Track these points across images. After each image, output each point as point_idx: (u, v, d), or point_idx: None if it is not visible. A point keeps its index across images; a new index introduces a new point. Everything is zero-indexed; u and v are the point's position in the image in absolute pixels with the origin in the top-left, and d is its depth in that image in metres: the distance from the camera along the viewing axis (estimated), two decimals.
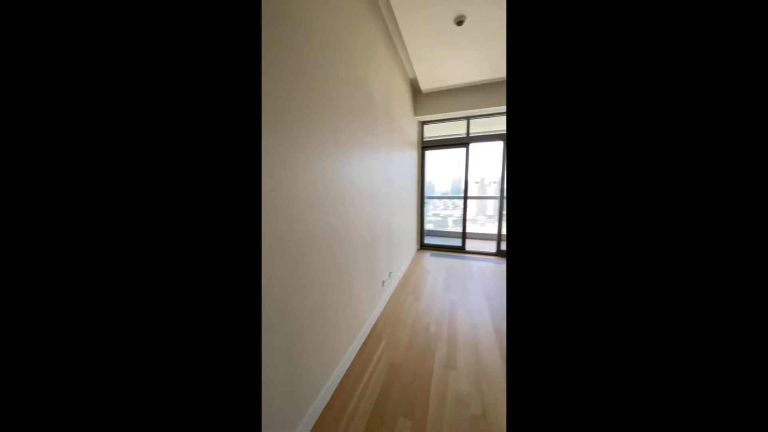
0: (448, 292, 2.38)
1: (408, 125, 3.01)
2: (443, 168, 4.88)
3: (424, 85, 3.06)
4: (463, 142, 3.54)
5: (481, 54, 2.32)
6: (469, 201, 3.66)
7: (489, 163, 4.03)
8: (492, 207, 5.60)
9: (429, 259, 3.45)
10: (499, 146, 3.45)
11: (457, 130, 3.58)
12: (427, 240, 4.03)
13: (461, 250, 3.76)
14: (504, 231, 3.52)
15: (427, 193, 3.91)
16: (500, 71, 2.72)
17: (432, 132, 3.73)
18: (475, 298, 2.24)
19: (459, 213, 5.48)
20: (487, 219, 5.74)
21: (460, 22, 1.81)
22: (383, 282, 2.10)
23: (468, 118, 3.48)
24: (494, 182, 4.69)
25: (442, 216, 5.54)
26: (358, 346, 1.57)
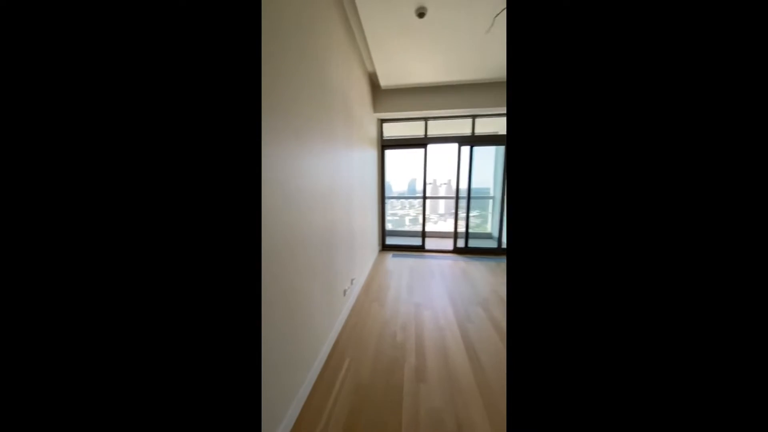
0: (412, 294, 2.33)
1: (368, 121, 2.86)
2: (401, 168, 4.90)
3: (384, 81, 2.96)
4: (421, 143, 3.56)
5: (440, 54, 2.32)
6: (426, 200, 3.72)
7: (441, 164, 4.19)
8: (443, 206, 5.91)
9: (391, 260, 3.38)
10: (453, 148, 3.58)
11: (416, 131, 3.60)
12: (389, 240, 3.96)
13: (421, 249, 3.80)
14: (460, 229, 3.68)
15: (386, 193, 3.84)
16: (457, 74, 2.80)
17: (391, 131, 3.66)
18: (438, 298, 2.23)
19: (414, 212, 5.61)
20: (439, 217, 6.09)
21: (421, 14, 1.74)
22: (345, 291, 1.91)
23: (426, 119, 3.52)
24: (444, 183, 4.90)
25: (400, 215, 5.60)
26: (320, 368, 1.36)
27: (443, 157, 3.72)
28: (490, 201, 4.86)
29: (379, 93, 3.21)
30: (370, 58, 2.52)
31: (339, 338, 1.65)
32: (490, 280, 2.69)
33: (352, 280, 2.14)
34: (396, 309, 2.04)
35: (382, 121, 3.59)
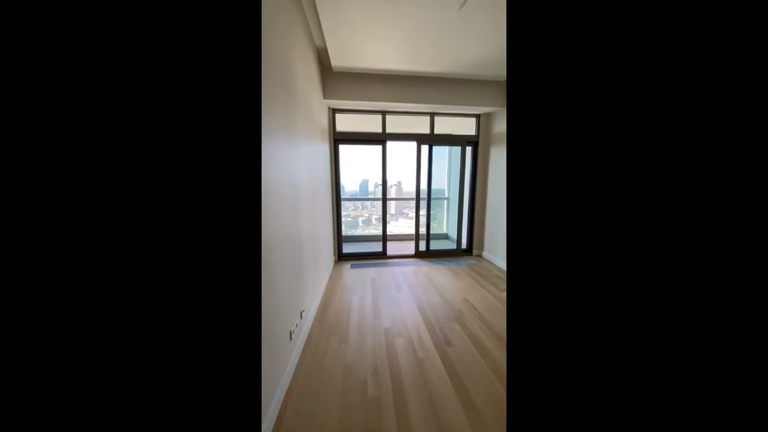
0: (379, 315, 1.97)
1: (318, 107, 2.35)
2: (356, 166, 4.48)
3: (336, 61, 2.49)
4: (379, 139, 3.23)
5: (404, 35, 2.00)
6: (375, 202, 3.42)
7: (393, 164, 3.95)
8: (394, 207, 5.70)
9: (350, 272, 2.95)
10: (410, 147, 3.37)
11: (372, 126, 3.23)
12: (346, 248, 3.51)
13: (383, 256, 3.48)
14: (421, 231, 3.50)
15: (341, 194, 3.37)
16: (421, 63, 2.54)
17: (345, 125, 3.21)
18: (410, 317, 1.94)
19: (368, 213, 5.28)
20: (390, 217, 5.73)
21: None
22: (291, 333, 1.42)
23: (384, 113, 3.20)
24: (394, 185, 4.71)
25: (353, 216, 5.16)
26: None
27: (396, 157, 3.46)
28: (445, 202, 4.91)
29: (330, 76, 2.71)
30: (320, 29, 2.02)
31: (283, 410, 1.16)
32: (456, 285, 2.55)
33: (302, 312, 1.64)
34: (362, 343, 1.64)
35: (335, 111, 3.10)
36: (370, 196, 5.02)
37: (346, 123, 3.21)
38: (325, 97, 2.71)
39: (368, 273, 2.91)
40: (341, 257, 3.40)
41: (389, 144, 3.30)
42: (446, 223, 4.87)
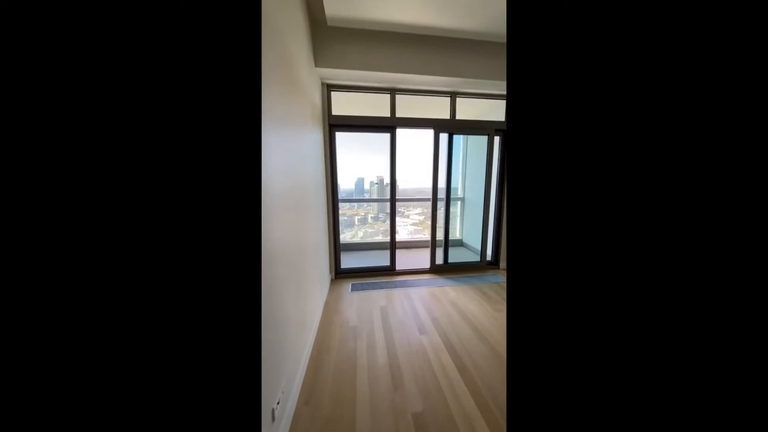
0: (401, 386, 1.29)
1: (304, 76, 1.65)
2: (354, 158, 3.77)
3: (332, 9, 1.79)
4: (387, 125, 2.53)
5: None
6: (375, 203, 2.73)
7: (403, 157, 3.27)
8: (388, 208, 4.93)
9: (350, 297, 2.26)
10: (423, 135, 2.69)
11: (379, 109, 2.54)
12: (344, 260, 2.82)
13: (391, 271, 2.80)
14: (438, 238, 2.83)
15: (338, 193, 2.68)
16: (448, 16, 1.84)
17: (344, 107, 2.50)
18: (450, 387, 1.26)
19: (364, 211, 4.55)
20: (386, 216, 4.81)
21: None
22: (274, 411, 0.73)
23: (393, 92, 2.50)
24: (388, 183, 4.04)
25: (348, 216, 4.43)
26: None
27: (402, 148, 2.77)
28: (459, 203, 4.25)
29: (323, 35, 2.00)
30: None
31: None
32: (497, 318, 1.88)
33: (282, 390, 0.95)
34: None
35: (330, 88, 2.40)
36: (366, 196, 4.27)
37: (344, 105, 2.50)
38: (317, 64, 2.00)
39: (375, 298, 2.23)
40: (339, 274, 2.70)
41: (407, 131, 2.61)
42: (460, 227, 4.22)
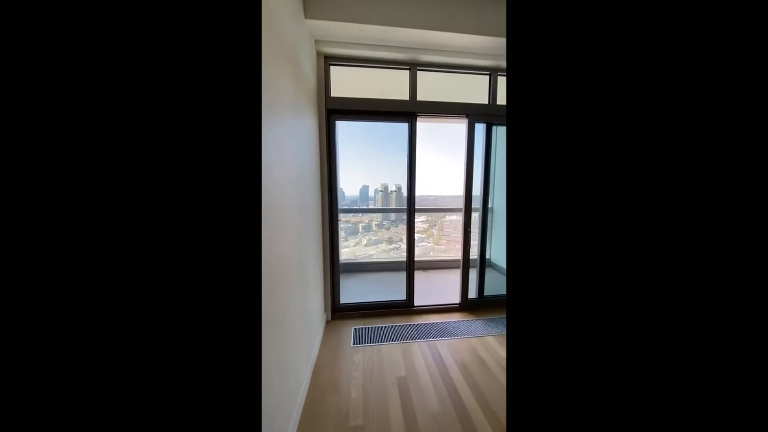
0: None
1: (290, 27, 1.00)
2: (367, 160, 3.10)
3: None
4: (405, 112, 1.88)
5: None
6: (374, 213, 2.04)
7: (389, 159, 2.54)
8: (380, 217, 4.00)
9: (352, 355, 1.55)
10: (458, 129, 2.04)
11: (392, 91, 1.89)
12: (345, 285, 2.11)
13: (408, 308, 2.07)
14: (473, 256, 2.12)
15: (339, 200, 1.99)
16: None
17: (346, 88, 1.86)
18: None
19: (368, 218, 3.79)
20: (391, 225, 3.84)
21: None
22: None
23: (413, 68, 1.86)
24: (394, 190, 3.29)
25: (353, 223, 3.71)
26: None
27: (389, 147, 2.06)
28: (478, 213, 3.54)
29: None
30: None
31: None
32: None
33: None
34: None
35: (329, 61, 1.77)
36: (370, 205, 3.53)
37: (348, 84, 1.87)
38: (307, 15, 1.37)
39: (388, 359, 1.51)
40: (338, 312, 1.99)
41: (431, 122, 1.96)
42: (489, 244, 3.50)
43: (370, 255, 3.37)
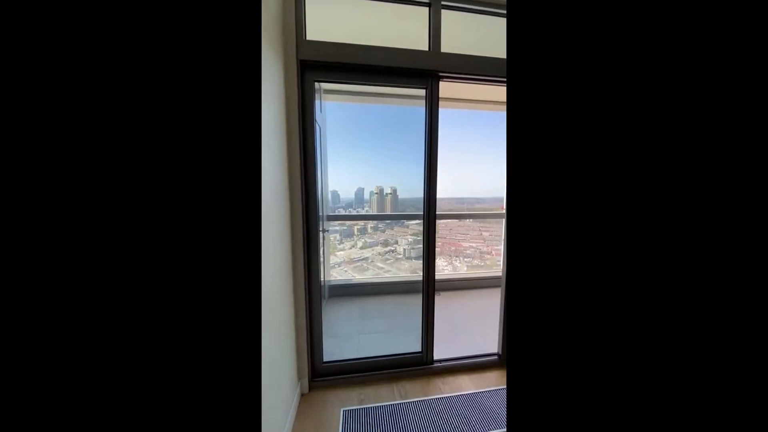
0: None
1: None
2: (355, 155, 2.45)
3: None
4: (422, 70, 1.22)
5: None
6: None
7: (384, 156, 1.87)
8: (371, 226, 3.03)
9: None
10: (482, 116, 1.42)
11: (401, 37, 1.22)
12: (330, 341, 1.42)
13: (426, 366, 1.39)
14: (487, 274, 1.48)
15: (332, 203, 1.31)
16: None
17: (331, 30, 1.19)
18: None
19: (363, 223, 3.01)
20: (406, 246, 2.81)
21: None
22: None
23: (436, 3, 1.21)
24: (389, 193, 2.63)
25: (348, 225, 2.98)
26: None
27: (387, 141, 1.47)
28: (503, 221, 2.90)
29: None
30: None
31: None
32: None
33: None
34: None
35: None
36: (366, 209, 2.82)
37: (333, 28, 1.20)
38: None
39: None
40: (318, 378, 1.30)
41: (459, 84, 1.31)
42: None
43: (366, 258, 2.70)
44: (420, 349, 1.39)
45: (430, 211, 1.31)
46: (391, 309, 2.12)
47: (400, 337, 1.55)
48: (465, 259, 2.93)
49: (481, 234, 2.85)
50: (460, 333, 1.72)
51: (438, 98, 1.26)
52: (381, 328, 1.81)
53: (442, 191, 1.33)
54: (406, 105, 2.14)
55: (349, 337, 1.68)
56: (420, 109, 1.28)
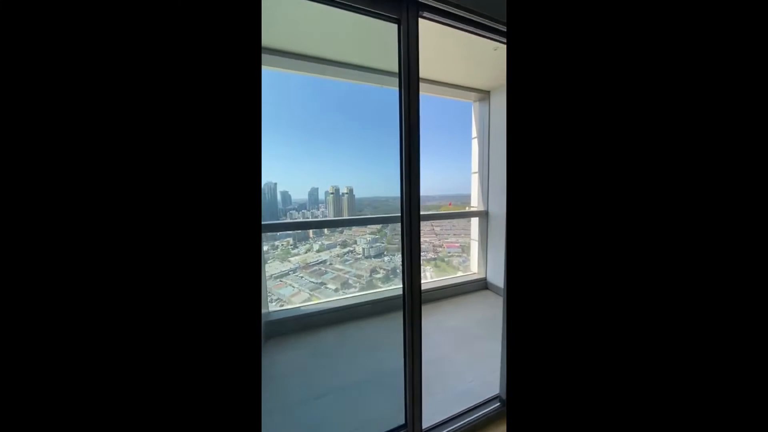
0: None
1: None
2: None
3: None
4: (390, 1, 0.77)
5: None
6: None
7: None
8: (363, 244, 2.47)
9: None
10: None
11: None
12: (267, 413, 0.83)
13: None
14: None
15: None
16: None
17: None
18: None
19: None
20: (365, 246, 2.40)
21: None
22: None
23: None
24: (345, 193, 2.30)
25: (296, 241, 2.29)
26: None
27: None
28: (477, 220, 2.70)
29: None
30: None
31: None
32: None
33: None
34: None
35: None
36: (321, 210, 2.32)
37: None
38: None
39: None
40: None
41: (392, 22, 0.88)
42: (481, 258, 2.67)
43: (324, 261, 2.28)
44: (403, 421, 0.93)
45: (411, 212, 0.87)
46: (358, 343, 1.61)
47: (373, 395, 1.06)
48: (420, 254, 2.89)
49: (434, 229, 3.00)
50: (445, 368, 1.33)
51: (417, 41, 0.84)
52: (346, 381, 1.28)
53: (391, 190, 0.90)
54: (365, 83, 1.68)
55: (298, 405, 1.11)
56: (383, 91, 0.84)
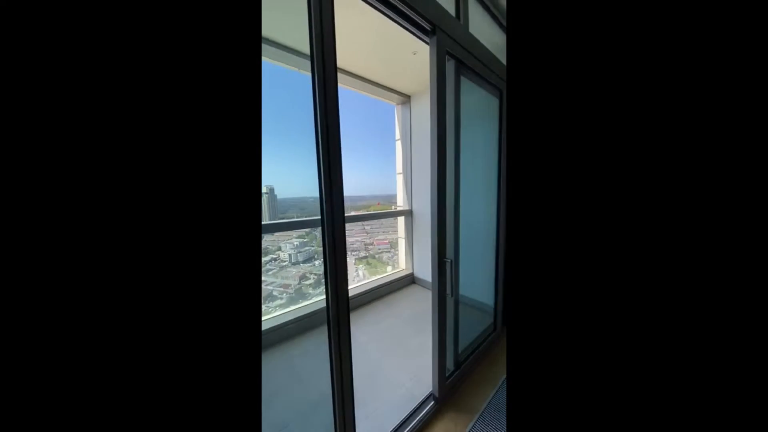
0: None
1: None
2: None
3: None
4: None
5: None
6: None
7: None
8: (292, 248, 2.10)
9: None
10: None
11: None
12: None
13: None
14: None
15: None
16: None
17: None
18: None
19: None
20: (292, 251, 2.04)
21: None
22: None
23: None
24: (265, 193, 2.10)
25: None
26: None
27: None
28: (403, 219, 2.78)
29: None
30: None
31: None
32: None
33: None
34: None
35: None
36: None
37: None
38: None
39: None
40: None
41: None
42: (405, 253, 2.77)
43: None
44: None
45: (335, 214, 0.74)
46: (281, 373, 1.34)
47: None
48: (352, 253, 2.94)
49: (364, 228, 3.03)
50: (379, 378, 1.26)
51: (332, 15, 0.70)
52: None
53: (311, 190, 0.78)
54: (276, 63, 1.41)
55: None
56: (299, 76, 0.67)
